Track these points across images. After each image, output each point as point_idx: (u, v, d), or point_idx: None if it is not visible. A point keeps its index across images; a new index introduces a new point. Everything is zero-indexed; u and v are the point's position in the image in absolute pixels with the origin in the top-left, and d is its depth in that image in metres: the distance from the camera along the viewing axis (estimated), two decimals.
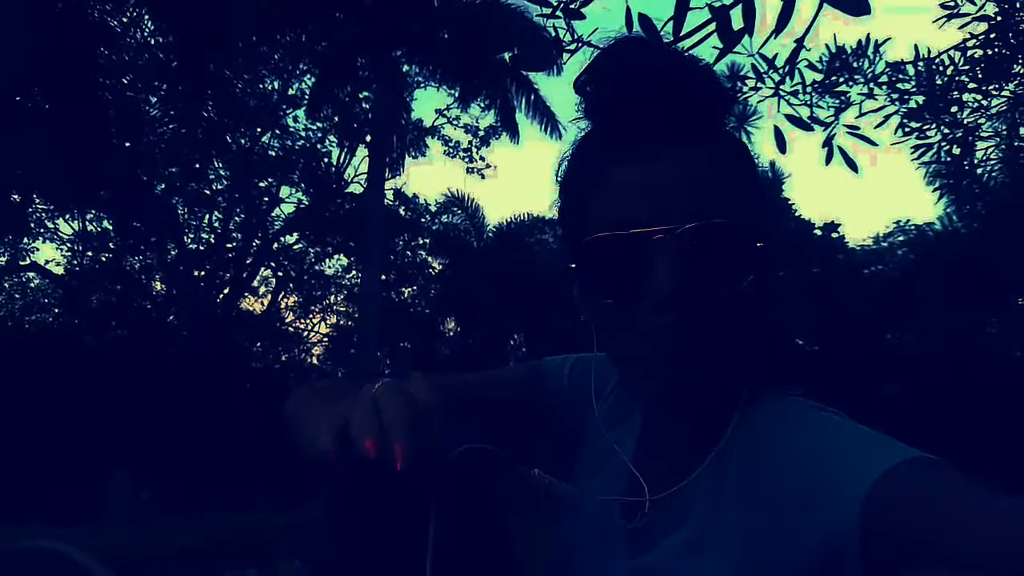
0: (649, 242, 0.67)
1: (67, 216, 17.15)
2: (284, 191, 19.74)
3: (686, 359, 0.69)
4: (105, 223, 17.76)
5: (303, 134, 18.77)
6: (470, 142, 19.49)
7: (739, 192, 0.72)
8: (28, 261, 17.65)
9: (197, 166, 17.37)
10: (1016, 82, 4.40)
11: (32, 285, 19.77)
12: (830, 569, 0.61)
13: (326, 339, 23.09)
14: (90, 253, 18.66)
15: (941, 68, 4.31)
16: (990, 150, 5.05)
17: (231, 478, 13.88)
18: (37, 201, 15.86)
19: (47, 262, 21.19)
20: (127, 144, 14.44)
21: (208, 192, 18.51)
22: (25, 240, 16.90)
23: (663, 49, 0.76)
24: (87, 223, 17.80)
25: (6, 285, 19.26)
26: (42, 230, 17.18)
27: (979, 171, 5.24)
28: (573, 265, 0.74)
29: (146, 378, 15.06)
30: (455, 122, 19.30)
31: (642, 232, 0.68)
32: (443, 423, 0.72)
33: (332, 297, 22.25)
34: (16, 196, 14.62)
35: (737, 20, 2.11)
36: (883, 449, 0.63)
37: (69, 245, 18.27)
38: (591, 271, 0.73)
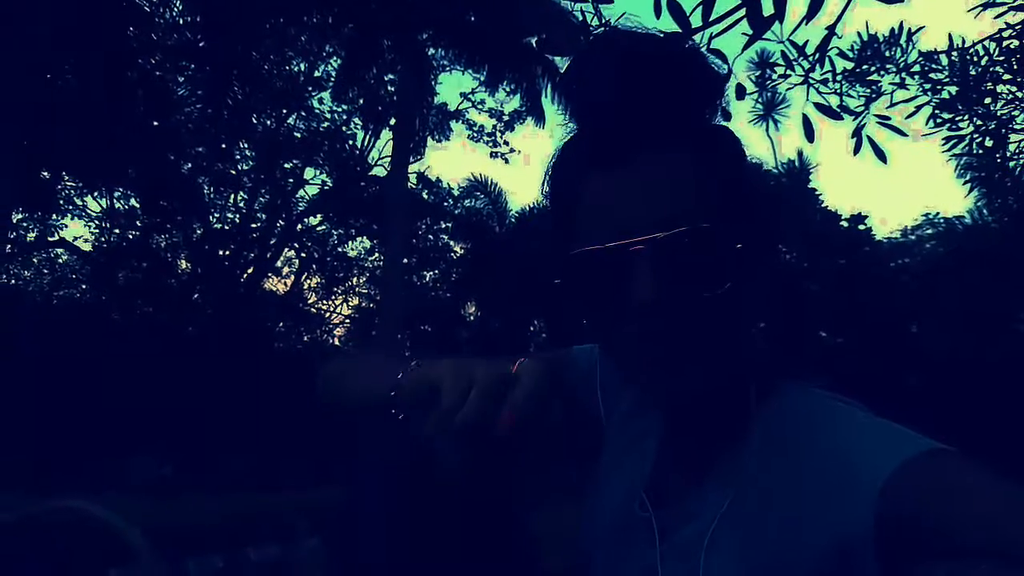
0: (628, 254, 0.66)
1: (95, 193, 17.36)
2: (308, 173, 19.83)
3: (673, 367, 0.69)
4: (132, 201, 17.96)
5: (328, 116, 18.81)
6: (494, 126, 19.45)
7: (723, 190, 0.70)
8: (57, 237, 17.87)
9: (223, 146, 17.50)
10: None
11: (60, 261, 20.03)
12: (845, 561, 0.61)
13: (348, 321, 23.25)
14: (117, 231, 18.85)
15: (975, 58, 4.24)
16: (1023, 143, 4.95)
17: (251, 456, 14.06)
18: (66, 178, 16.07)
19: (75, 239, 21.48)
20: (155, 123, 14.58)
21: (233, 172, 18.62)
22: (54, 216, 17.14)
23: (643, 43, 0.73)
24: (115, 201, 17.99)
25: (35, 261, 19.55)
26: (71, 207, 17.37)
27: (1011, 164, 5.15)
28: (557, 281, 0.73)
29: (170, 355, 15.26)
30: (480, 106, 19.26)
31: (620, 245, 0.67)
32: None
33: (354, 279, 22.37)
34: (46, 173, 14.83)
35: (768, 6, 2.09)
36: (901, 441, 0.63)
37: (97, 222, 18.48)
38: (574, 287, 0.72)
